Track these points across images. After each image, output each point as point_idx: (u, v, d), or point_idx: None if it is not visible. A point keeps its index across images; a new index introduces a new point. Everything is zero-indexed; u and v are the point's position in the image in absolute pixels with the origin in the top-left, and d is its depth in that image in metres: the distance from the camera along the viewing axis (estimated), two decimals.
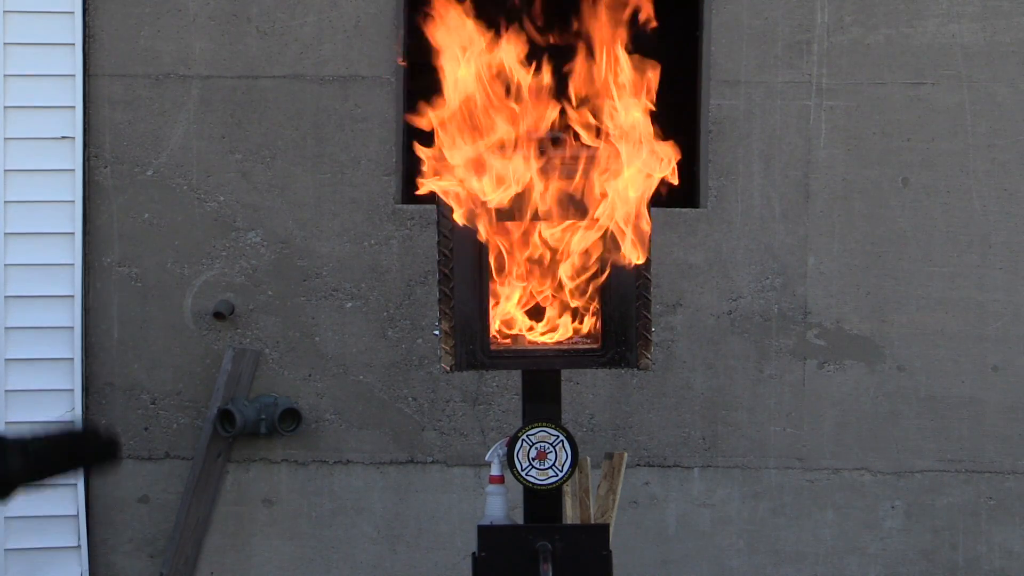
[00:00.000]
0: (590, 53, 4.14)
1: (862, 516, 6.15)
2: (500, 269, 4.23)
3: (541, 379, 4.24)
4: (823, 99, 6.08)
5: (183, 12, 6.07)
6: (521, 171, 4.04)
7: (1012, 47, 6.08)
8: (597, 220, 4.08)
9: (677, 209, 6.10)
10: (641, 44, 4.17)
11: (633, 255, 4.08)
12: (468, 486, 6.13)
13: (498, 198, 4.04)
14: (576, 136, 4.13)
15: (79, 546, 6.05)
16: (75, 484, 5.99)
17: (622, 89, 4.09)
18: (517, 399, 5.45)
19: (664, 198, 4.29)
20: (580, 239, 4.14)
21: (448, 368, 4.13)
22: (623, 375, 6.03)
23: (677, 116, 4.37)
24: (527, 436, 4.16)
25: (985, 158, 6.09)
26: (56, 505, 6.02)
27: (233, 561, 6.17)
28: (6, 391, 5.99)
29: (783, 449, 6.13)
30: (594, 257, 4.17)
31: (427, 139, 4.22)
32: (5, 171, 5.96)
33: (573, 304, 4.26)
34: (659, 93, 4.21)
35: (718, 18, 6.09)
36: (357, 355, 6.11)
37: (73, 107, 6.02)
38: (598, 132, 4.13)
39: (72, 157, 6.00)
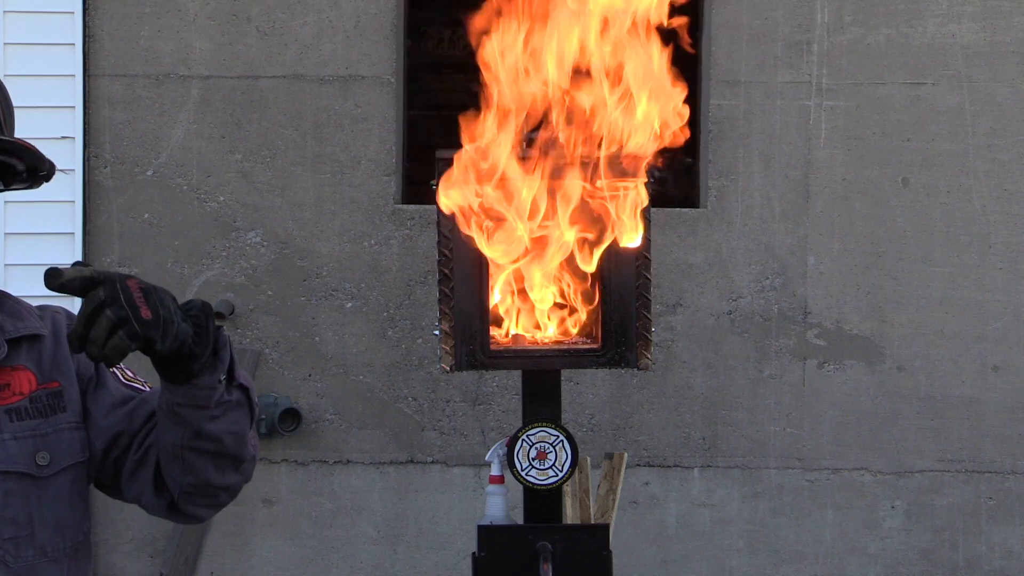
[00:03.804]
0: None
1: (862, 516, 6.15)
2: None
3: (541, 379, 4.24)
4: (823, 99, 6.08)
5: (183, 12, 6.07)
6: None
7: (1012, 47, 6.08)
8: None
9: (677, 209, 6.10)
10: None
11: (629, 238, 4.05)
12: (468, 486, 6.13)
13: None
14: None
15: None
16: None
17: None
18: (517, 399, 5.45)
19: (664, 198, 4.30)
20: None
21: (448, 368, 4.12)
22: (623, 375, 6.03)
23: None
24: (527, 436, 4.16)
25: (985, 158, 6.09)
26: None
27: (233, 561, 6.17)
28: None
29: (783, 449, 6.13)
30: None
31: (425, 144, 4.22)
32: None
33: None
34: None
35: (718, 18, 6.09)
36: (357, 355, 6.11)
37: (73, 107, 6.02)
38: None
39: (72, 157, 6.00)
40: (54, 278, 2.12)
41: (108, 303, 2.11)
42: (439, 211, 4.13)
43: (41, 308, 2.48)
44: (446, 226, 4.10)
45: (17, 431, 2.36)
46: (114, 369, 2.47)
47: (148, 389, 2.48)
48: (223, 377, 2.29)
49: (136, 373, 2.52)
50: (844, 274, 6.11)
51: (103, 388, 2.46)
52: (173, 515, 2.47)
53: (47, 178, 2.47)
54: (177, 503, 2.43)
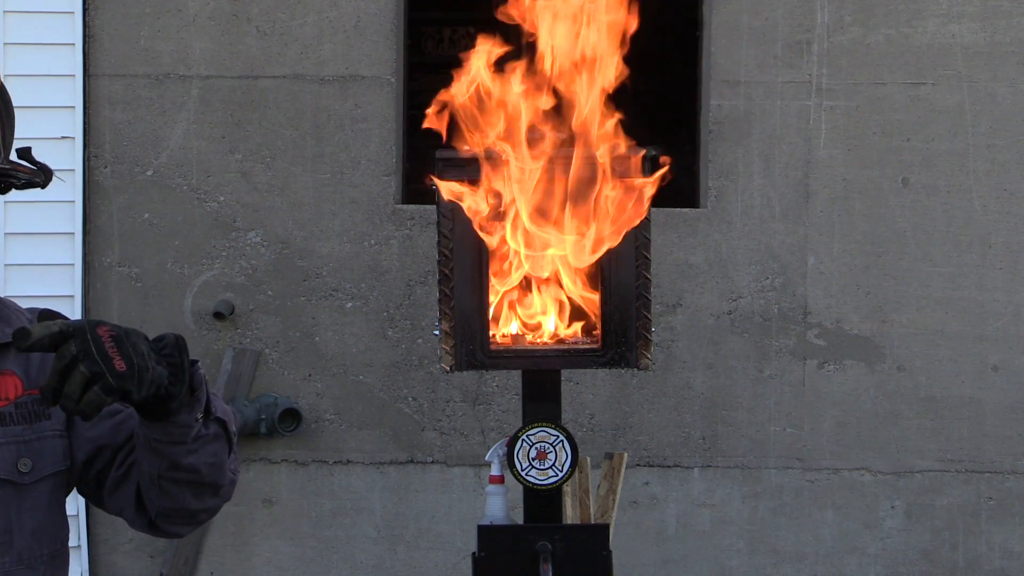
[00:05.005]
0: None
1: (862, 516, 6.15)
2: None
3: (541, 379, 4.23)
4: (823, 99, 6.08)
5: (183, 12, 6.07)
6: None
7: (1012, 47, 6.08)
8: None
9: (677, 209, 6.10)
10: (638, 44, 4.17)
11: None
12: (468, 486, 6.13)
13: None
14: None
15: (79, 546, 6.05)
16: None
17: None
18: (517, 399, 5.45)
19: (664, 198, 4.29)
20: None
21: (448, 368, 4.12)
22: (623, 375, 6.03)
23: (677, 116, 4.36)
24: (527, 436, 4.16)
25: (985, 158, 6.09)
26: None
27: (233, 561, 6.17)
28: None
29: (783, 449, 6.13)
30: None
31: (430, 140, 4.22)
32: None
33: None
34: (659, 93, 4.21)
35: (718, 18, 6.09)
36: (357, 355, 6.11)
37: (73, 107, 6.02)
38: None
39: (72, 157, 6.00)
40: (22, 339, 2.07)
41: (81, 357, 2.06)
42: (439, 211, 4.13)
43: (32, 311, 2.45)
44: (446, 226, 4.10)
45: (0, 437, 2.33)
46: None
47: None
48: (200, 416, 2.27)
49: None
50: (844, 274, 6.11)
51: None
52: (153, 532, 2.47)
53: (43, 185, 2.48)
54: (155, 523, 2.43)
